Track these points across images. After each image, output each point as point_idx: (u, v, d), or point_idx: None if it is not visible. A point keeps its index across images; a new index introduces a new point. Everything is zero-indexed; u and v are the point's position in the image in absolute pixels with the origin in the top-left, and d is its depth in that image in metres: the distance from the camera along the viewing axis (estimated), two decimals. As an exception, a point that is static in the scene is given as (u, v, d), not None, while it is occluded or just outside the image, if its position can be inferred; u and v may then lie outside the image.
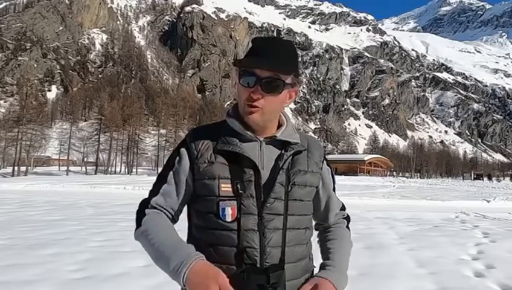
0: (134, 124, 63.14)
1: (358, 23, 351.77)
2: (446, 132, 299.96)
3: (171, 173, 1.15)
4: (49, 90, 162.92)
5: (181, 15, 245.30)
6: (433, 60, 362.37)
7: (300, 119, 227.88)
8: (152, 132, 73.35)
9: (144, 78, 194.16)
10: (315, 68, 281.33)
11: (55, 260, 4.46)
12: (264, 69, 1.06)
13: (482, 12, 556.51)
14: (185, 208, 1.20)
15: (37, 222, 7.73)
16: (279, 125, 1.18)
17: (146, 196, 1.12)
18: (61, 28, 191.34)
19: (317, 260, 1.21)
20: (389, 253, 5.31)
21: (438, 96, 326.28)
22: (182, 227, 1.21)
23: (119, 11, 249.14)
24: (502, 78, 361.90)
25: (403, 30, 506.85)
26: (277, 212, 1.09)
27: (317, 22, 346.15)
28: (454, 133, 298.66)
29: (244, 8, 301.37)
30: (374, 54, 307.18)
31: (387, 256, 5.10)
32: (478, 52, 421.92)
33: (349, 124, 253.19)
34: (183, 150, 1.15)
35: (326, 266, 1.13)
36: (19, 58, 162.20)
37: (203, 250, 1.06)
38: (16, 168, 45.12)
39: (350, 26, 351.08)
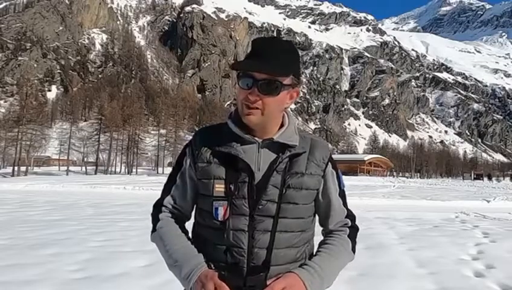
0: (134, 124, 63.13)
1: (358, 23, 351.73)
2: (446, 132, 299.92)
3: (180, 173, 1.19)
4: (49, 90, 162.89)
5: (181, 15, 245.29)
6: (433, 60, 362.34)
7: (300, 119, 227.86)
8: (152, 132, 73.34)
9: (144, 78, 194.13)
10: (315, 68, 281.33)
11: (55, 260, 4.46)
12: (261, 72, 1.06)
13: (482, 12, 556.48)
14: None
15: (37, 222, 7.73)
16: (281, 126, 1.18)
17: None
18: (61, 28, 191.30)
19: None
20: (389, 253, 5.31)
21: (438, 96, 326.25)
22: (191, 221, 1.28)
23: (119, 11, 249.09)
24: (502, 78, 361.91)
25: (403, 30, 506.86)
26: (268, 214, 1.09)
27: (317, 22, 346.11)
28: (454, 133, 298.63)
29: (244, 8, 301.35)
30: (374, 54, 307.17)
31: (387, 256, 5.09)
32: (478, 52, 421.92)
33: (349, 124, 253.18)
34: (188, 150, 1.19)
35: (304, 265, 1.11)
36: (19, 58, 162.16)
37: (200, 246, 1.13)
38: (15, 168, 45.12)
39: (350, 26, 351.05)
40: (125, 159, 63.86)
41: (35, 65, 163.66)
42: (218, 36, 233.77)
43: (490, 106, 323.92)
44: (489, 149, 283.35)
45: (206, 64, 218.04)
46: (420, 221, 9.09)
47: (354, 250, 1.21)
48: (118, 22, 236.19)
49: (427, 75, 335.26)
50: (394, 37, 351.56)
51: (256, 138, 1.13)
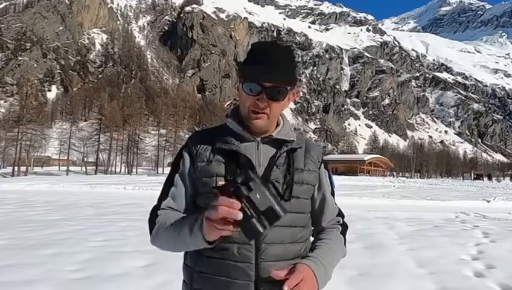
0: (134, 124, 63.13)
1: (358, 23, 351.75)
2: (446, 132, 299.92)
3: (177, 175, 1.19)
4: (49, 90, 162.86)
5: (181, 15, 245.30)
6: (433, 60, 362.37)
7: (300, 119, 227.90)
8: (152, 132, 73.31)
9: (144, 78, 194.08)
10: (315, 68, 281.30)
11: (55, 260, 4.46)
12: (274, 82, 1.10)
13: (482, 12, 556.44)
14: None
15: (37, 222, 7.73)
16: (277, 125, 1.22)
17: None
18: (61, 28, 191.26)
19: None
20: (389, 253, 5.31)
21: (438, 96, 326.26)
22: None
23: (119, 11, 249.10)
24: (502, 78, 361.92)
25: (403, 30, 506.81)
26: None
27: (317, 22, 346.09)
28: (454, 133, 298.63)
29: (244, 8, 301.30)
30: (374, 54, 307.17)
31: (387, 256, 5.10)
32: (478, 52, 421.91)
33: (349, 124, 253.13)
34: (184, 152, 1.20)
35: (308, 256, 1.13)
36: (19, 58, 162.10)
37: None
38: (15, 168, 45.12)
39: (350, 26, 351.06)
40: (125, 159, 63.85)
41: (35, 65, 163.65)
42: (218, 36, 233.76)
43: (490, 106, 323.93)
44: (489, 149, 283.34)
45: (206, 64, 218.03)
46: (420, 221, 9.09)
47: (345, 245, 1.26)
48: (118, 22, 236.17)
49: (427, 75, 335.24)
50: (394, 37, 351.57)
51: (255, 136, 1.18)
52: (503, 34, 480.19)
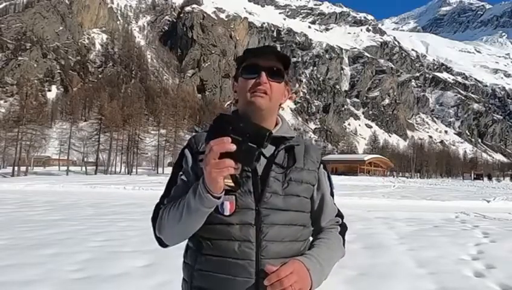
0: (134, 124, 63.12)
1: (358, 23, 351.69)
2: (446, 132, 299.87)
3: (179, 174, 1.20)
4: (49, 90, 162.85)
5: (181, 15, 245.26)
6: (433, 60, 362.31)
7: (300, 119, 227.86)
8: (152, 132, 73.28)
9: (144, 78, 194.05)
10: (315, 68, 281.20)
11: (55, 260, 4.46)
12: (267, 58, 1.17)
13: (482, 12, 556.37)
14: None
15: (37, 222, 7.73)
16: (276, 124, 1.25)
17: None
18: (61, 28, 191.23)
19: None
20: (389, 253, 5.31)
21: (438, 96, 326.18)
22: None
23: (119, 11, 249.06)
24: (502, 78, 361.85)
25: (403, 30, 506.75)
26: (274, 207, 1.12)
27: (317, 22, 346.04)
28: (454, 133, 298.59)
29: (244, 8, 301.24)
30: (374, 54, 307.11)
31: (387, 256, 5.10)
32: (478, 52, 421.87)
33: (349, 124, 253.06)
34: (187, 151, 1.21)
35: (305, 254, 1.14)
36: (19, 58, 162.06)
37: (203, 245, 1.13)
38: (15, 168, 45.11)
39: (350, 26, 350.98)
40: (125, 159, 63.84)
41: (35, 65, 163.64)
42: (218, 36, 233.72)
43: (490, 106, 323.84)
44: (489, 149, 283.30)
45: (206, 64, 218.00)
46: (420, 221, 9.09)
47: (344, 246, 1.27)
48: (118, 22, 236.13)
49: (427, 75, 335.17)
50: (394, 37, 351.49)
51: None
52: (503, 34, 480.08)
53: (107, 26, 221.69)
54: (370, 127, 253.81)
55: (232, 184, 1.00)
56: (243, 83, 1.19)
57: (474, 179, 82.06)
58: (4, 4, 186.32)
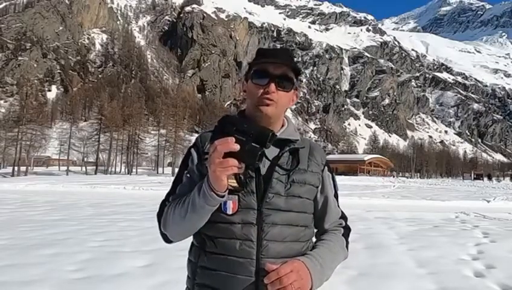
0: (134, 124, 63.11)
1: (358, 23, 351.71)
2: (446, 132, 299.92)
3: (185, 172, 1.21)
4: (49, 90, 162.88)
5: (181, 15, 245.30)
6: (433, 60, 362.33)
7: (300, 119, 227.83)
8: (152, 132, 73.26)
9: (143, 78, 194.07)
10: (315, 68, 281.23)
11: (55, 260, 4.46)
12: (278, 66, 1.18)
13: (482, 12, 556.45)
14: None
15: (37, 222, 7.73)
16: (281, 126, 1.26)
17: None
18: (61, 28, 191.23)
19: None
20: (389, 253, 5.31)
21: (438, 96, 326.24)
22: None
23: (119, 11, 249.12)
24: (502, 78, 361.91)
25: (403, 30, 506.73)
26: (275, 207, 1.14)
27: (317, 22, 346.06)
28: (454, 133, 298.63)
29: (244, 8, 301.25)
30: (374, 54, 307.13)
31: (387, 256, 5.09)
32: (478, 52, 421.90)
33: (349, 124, 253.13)
34: (193, 150, 1.22)
35: (306, 254, 1.15)
36: (19, 58, 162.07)
37: (207, 242, 1.15)
38: (15, 168, 45.10)
39: (350, 26, 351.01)
40: (125, 159, 63.83)
41: (35, 65, 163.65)
42: (218, 36, 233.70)
43: (490, 106, 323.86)
44: (489, 149, 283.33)
45: (206, 64, 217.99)
46: (420, 221, 9.09)
47: (347, 248, 1.28)
48: (118, 22, 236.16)
49: (427, 75, 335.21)
50: (394, 37, 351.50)
51: None
52: (503, 34, 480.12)
53: (107, 26, 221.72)
54: (370, 127, 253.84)
55: (236, 184, 1.02)
56: (252, 87, 1.20)
57: (474, 179, 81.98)
58: (4, 4, 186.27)
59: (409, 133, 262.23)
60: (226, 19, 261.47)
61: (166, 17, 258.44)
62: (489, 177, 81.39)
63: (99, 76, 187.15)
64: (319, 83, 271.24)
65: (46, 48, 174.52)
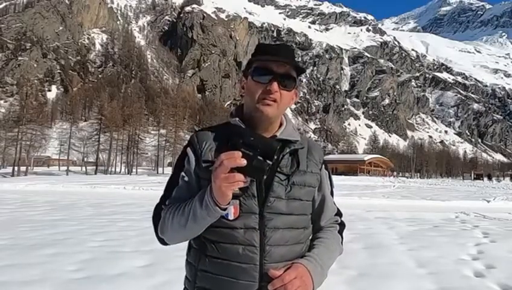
0: (134, 124, 63.10)
1: (358, 23, 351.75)
2: (446, 132, 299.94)
3: (182, 173, 1.18)
4: (49, 90, 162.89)
5: (181, 15, 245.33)
6: (433, 60, 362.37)
7: (300, 119, 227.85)
8: (152, 132, 73.29)
9: (143, 78, 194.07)
10: (315, 68, 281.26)
11: (55, 260, 4.46)
12: (281, 63, 1.13)
13: (482, 12, 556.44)
14: None
15: (37, 222, 7.73)
16: (280, 125, 1.23)
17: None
18: (61, 28, 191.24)
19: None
20: (389, 253, 5.31)
21: (438, 96, 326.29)
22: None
23: (119, 11, 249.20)
24: (502, 78, 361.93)
25: (403, 30, 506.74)
26: (277, 211, 1.12)
27: (317, 22, 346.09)
28: (454, 133, 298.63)
29: (244, 8, 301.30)
30: (374, 54, 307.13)
31: (387, 256, 5.09)
32: (478, 52, 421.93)
33: (349, 124, 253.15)
34: (189, 150, 1.19)
35: (305, 256, 1.14)
36: (19, 58, 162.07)
37: (208, 247, 1.13)
38: (15, 168, 45.08)
39: (350, 26, 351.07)
40: (125, 159, 63.81)
41: (35, 65, 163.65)
42: (218, 36, 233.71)
43: (490, 106, 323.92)
44: (489, 149, 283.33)
45: (206, 64, 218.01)
46: (420, 221, 9.09)
47: (342, 244, 1.29)
48: (118, 22, 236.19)
49: (427, 75, 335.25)
50: (394, 37, 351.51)
51: None
52: (503, 34, 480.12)
53: (107, 26, 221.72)
54: (370, 127, 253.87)
55: (238, 191, 1.01)
56: (252, 85, 1.16)
57: (474, 179, 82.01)
58: (4, 4, 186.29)
59: (409, 133, 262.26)
60: (226, 19, 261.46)
61: (166, 17, 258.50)
62: (489, 177, 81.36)
63: (99, 76, 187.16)
64: (319, 83, 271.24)
65: (46, 48, 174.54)
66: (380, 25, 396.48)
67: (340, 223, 1.32)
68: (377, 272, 4.27)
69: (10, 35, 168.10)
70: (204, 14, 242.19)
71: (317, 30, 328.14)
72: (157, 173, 59.91)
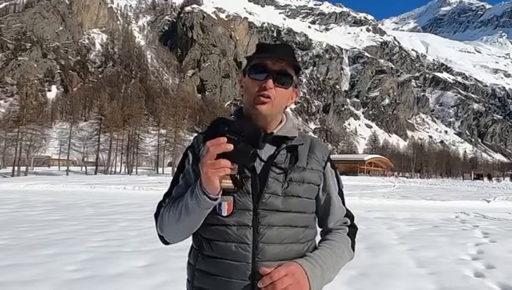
0: (134, 124, 63.11)
1: (358, 23, 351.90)
2: (446, 132, 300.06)
3: (182, 174, 1.20)
4: (49, 90, 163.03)
5: (181, 15, 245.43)
6: (433, 60, 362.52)
7: (300, 119, 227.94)
8: (152, 132, 73.29)
9: (143, 78, 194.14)
10: (315, 68, 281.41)
11: (55, 260, 4.46)
12: (276, 61, 1.13)
13: (482, 12, 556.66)
14: None
15: (37, 222, 7.72)
16: (280, 123, 1.22)
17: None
18: (61, 28, 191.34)
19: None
20: (389, 253, 5.30)
21: (438, 96, 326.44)
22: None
23: (119, 11, 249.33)
24: (502, 78, 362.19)
25: (403, 30, 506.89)
26: (272, 208, 1.10)
27: (317, 22, 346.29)
28: (454, 133, 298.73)
29: (244, 8, 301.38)
30: (374, 54, 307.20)
31: (387, 256, 5.09)
32: (478, 52, 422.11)
33: (349, 124, 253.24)
34: (189, 151, 1.20)
35: (305, 256, 1.10)
36: (19, 58, 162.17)
37: (204, 246, 1.13)
38: (15, 168, 45.08)
39: (350, 26, 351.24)
40: (125, 159, 63.80)
41: (35, 65, 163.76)
42: (218, 36, 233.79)
43: (490, 106, 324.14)
44: (489, 149, 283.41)
45: (206, 64, 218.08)
46: (420, 221, 9.09)
47: (353, 248, 1.22)
48: (118, 22, 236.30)
49: (427, 75, 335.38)
50: (394, 37, 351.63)
51: None
52: (503, 34, 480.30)
53: (107, 26, 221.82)
54: (370, 127, 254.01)
55: (230, 185, 1.00)
56: (249, 82, 1.16)
57: (474, 179, 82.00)
58: (4, 4, 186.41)
59: (409, 133, 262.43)
60: (226, 19, 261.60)
61: (166, 17, 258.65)
62: (489, 177, 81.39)
63: (99, 76, 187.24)
64: (319, 83, 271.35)
65: (46, 48, 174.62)
66: (380, 25, 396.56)
67: (350, 225, 1.26)
68: (377, 272, 4.27)
69: (10, 35, 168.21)
70: (204, 14, 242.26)
71: (317, 30, 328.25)
72: (157, 173, 59.92)
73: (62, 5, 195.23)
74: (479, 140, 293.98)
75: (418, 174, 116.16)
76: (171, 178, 1.24)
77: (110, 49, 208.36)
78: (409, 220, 9.14)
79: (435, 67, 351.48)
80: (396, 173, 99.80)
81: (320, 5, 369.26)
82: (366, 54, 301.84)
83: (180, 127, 65.83)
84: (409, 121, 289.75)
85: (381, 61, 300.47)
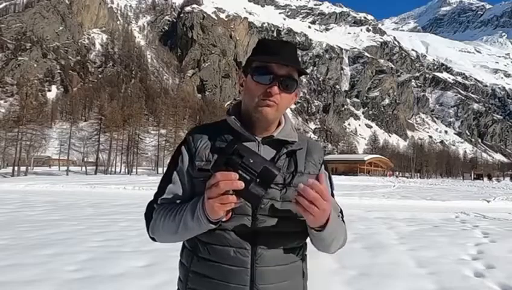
0: (134, 124, 63.13)
1: (358, 23, 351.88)
2: (446, 132, 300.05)
3: (175, 172, 1.17)
4: (49, 90, 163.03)
5: (181, 15, 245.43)
6: (433, 60, 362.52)
7: (300, 119, 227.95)
8: (152, 132, 73.32)
9: (143, 78, 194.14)
10: (315, 68, 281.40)
11: (55, 260, 4.46)
12: (283, 66, 1.09)
13: (482, 12, 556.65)
14: None
15: (37, 222, 7.72)
16: (279, 125, 1.20)
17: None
18: (61, 28, 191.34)
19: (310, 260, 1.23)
20: (389, 253, 5.31)
21: (438, 96, 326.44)
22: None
23: (119, 11, 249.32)
24: (502, 78, 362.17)
25: (403, 30, 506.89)
26: (271, 213, 1.09)
27: (317, 22, 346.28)
28: (454, 133, 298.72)
29: (244, 8, 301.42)
30: (374, 54, 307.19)
31: (387, 256, 5.09)
32: (478, 52, 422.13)
33: (349, 124, 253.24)
34: (183, 149, 1.17)
35: None
36: (19, 58, 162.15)
37: (200, 248, 1.11)
38: (15, 168, 45.08)
39: (350, 26, 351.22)
40: (125, 159, 63.81)
41: (35, 65, 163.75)
42: (218, 36, 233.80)
43: (490, 106, 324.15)
44: (489, 149, 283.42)
45: (206, 64, 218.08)
46: (420, 221, 9.09)
47: (345, 234, 1.23)
48: (118, 22, 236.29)
49: (427, 75, 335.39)
50: (394, 37, 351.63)
51: (255, 136, 1.15)
52: (503, 34, 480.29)
53: (107, 26, 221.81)
54: (370, 127, 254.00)
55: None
56: (252, 85, 1.12)
57: (474, 179, 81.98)
58: (4, 4, 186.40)
59: (409, 133, 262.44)
60: (226, 19, 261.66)
61: (166, 17, 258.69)
62: (489, 177, 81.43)
63: (99, 76, 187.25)
64: (319, 83, 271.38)
65: (46, 48, 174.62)
66: (380, 25, 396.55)
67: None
68: (377, 272, 4.27)
69: (10, 35, 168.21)
70: (204, 14, 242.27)
71: (317, 30, 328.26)
72: (157, 173, 59.90)
73: (62, 5, 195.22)
74: (479, 140, 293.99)
75: (418, 174, 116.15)
76: None
77: (110, 49, 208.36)
78: (409, 220, 9.14)
79: (435, 67, 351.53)
80: (396, 173, 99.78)
81: (320, 5, 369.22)
82: (366, 54, 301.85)
83: (180, 127, 65.87)
84: (409, 121, 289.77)
85: (381, 61, 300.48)
